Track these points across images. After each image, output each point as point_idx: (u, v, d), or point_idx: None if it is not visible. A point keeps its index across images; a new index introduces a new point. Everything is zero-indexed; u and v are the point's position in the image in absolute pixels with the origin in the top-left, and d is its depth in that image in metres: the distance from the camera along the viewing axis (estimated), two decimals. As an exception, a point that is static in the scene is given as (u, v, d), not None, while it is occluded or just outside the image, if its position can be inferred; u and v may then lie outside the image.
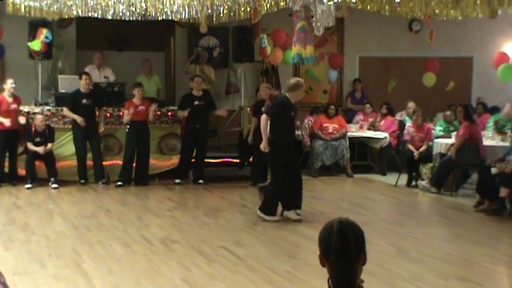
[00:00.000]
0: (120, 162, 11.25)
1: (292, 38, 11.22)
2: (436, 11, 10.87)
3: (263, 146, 8.54)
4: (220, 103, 13.79)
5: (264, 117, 8.60)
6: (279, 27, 13.10)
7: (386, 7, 10.63)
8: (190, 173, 11.58)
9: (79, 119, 10.94)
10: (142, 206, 9.87)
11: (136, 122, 11.10)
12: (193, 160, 11.48)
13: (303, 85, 8.63)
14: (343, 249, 2.38)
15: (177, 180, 11.33)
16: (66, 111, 11.09)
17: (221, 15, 10.70)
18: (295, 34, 11.01)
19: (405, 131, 11.74)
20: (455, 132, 11.07)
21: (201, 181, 11.31)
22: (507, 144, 10.61)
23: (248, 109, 12.29)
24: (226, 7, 10.35)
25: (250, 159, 11.60)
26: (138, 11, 10.76)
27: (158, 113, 11.59)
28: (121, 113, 11.39)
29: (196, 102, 11.34)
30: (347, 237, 2.39)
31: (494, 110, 13.01)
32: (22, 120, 10.94)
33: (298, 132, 9.86)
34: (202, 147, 11.45)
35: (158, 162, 11.60)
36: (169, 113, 11.73)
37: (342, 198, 10.74)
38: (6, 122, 10.72)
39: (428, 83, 14.22)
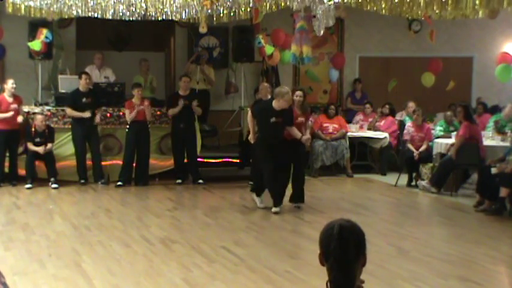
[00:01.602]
0: (120, 162, 11.25)
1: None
2: (436, 11, 10.86)
3: (250, 137, 9.36)
4: (221, 103, 13.81)
5: (249, 113, 9.36)
6: (279, 27, 13.09)
7: (386, 7, 10.62)
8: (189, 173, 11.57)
9: (84, 114, 10.94)
10: (142, 206, 9.87)
11: (136, 122, 11.10)
12: (186, 161, 11.47)
13: (283, 95, 8.93)
14: (342, 253, 2.38)
15: (178, 181, 11.34)
16: (70, 111, 11.07)
17: (221, 15, 10.71)
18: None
19: (405, 131, 11.74)
20: (455, 132, 11.07)
21: (200, 181, 11.30)
22: (507, 144, 10.61)
23: (248, 109, 12.29)
24: (226, 7, 10.35)
25: (251, 159, 11.60)
26: (138, 11, 10.76)
27: (158, 112, 11.59)
28: (121, 113, 11.40)
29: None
30: (347, 242, 2.38)
31: (495, 110, 12.98)
32: (20, 119, 10.90)
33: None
34: (191, 147, 11.42)
35: (158, 162, 11.59)
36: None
37: (342, 198, 10.74)
38: (9, 114, 10.72)
39: (427, 83, 14.21)
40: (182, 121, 11.28)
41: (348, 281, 2.38)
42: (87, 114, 10.97)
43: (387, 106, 13.32)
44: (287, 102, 8.95)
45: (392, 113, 13.39)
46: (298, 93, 9.51)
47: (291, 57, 11.83)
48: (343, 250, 2.37)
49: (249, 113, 9.36)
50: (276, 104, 8.97)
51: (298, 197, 9.42)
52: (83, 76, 11.16)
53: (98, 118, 11.15)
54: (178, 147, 11.38)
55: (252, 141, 9.31)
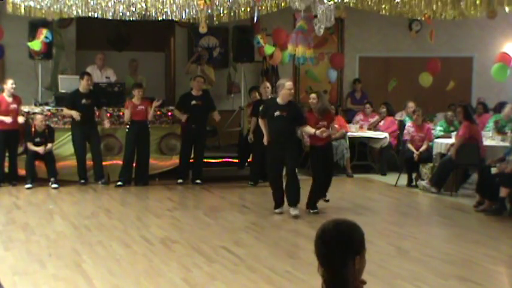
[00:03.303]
0: (120, 162, 11.25)
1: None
2: (435, 9, 10.86)
3: (264, 140, 9.14)
4: (221, 103, 13.80)
5: (259, 116, 9.33)
6: (279, 27, 13.09)
7: (386, 7, 10.63)
8: (190, 173, 11.58)
9: (74, 113, 10.90)
10: (142, 206, 9.87)
11: (136, 122, 11.11)
12: (191, 160, 11.47)
13: (283, 86, 8.91)
14: (325, 255, 2.38)
15: (179, 180, 11.34)
16: (65, 110, 11.09)
17: (221, 15, 10.71)
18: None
19: (405, 131, 11.73)
20: (455, 132, 11.07)
21: (198, 181, 11.30)
22: (507, 144, 10.61)
23: (248, 109, 12.30)
24: (226, 7, 10.36)
25: (249, 159, 11.62)
26: (138, 11, 10.77)
27: (158, 112, 11.59)
28: (121, 113, 11.40)
29: (193, 102, 11.34)
30: (328, 244, 2.37)
31: (500, 107, 12.85)
32: (21, 119, 10.92)
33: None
34: (200, 147, 11.42)
35: (158, 162, 11.59)
36: (169, 113, 11.73)
37: (342, 198, 10.73)
38: (7, 119, 10.72)
39: (424, 83, 14.18)
40: (194, 121, 11.29)
41: (339, 282, 2.37)
42: (76, 116, 10.89)
43: (383, 106, 13.38)
44: (288, 90, 8.87)
45: (390, 113, 13.39)
46: (312, 95, 9.37)
47: (287, 56, 11.88)
48: (326, 252, 2.37)
49: (259, 116, 9.35)
50: (279, 99, 8.92)
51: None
52: (85, 77, 11.15)
53: (107, 124, 11.14)
54: (187, 147, 11.38)
55: (265, 143, 9.13)
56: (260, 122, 9.26)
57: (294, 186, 8.96)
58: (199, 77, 11.72)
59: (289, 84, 8.98)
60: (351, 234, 2.39)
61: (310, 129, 8.95)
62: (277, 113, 8.85)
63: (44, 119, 10.89)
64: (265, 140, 9.12)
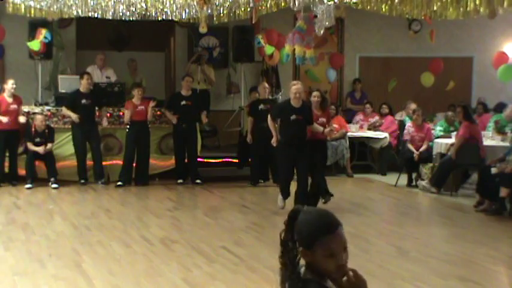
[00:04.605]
0: (120, 162, 11.26)
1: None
2: (435, 9, 10.84)
3: (272, 141, 9.14)
4: (221, 103, 13.81)
5: (268, 117, 9.21)
6: (279, 27, 13.10)
7: (386, 7, 10.62)
8: (189, 173, 11.60)
9: (73, 116, 10.92)
10: (142, 206, 9.87)
11: (136, 122, 11.11)
12: (186, 161, 11.48)
13: (290, 88, 9.02)
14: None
15: (179, 180, 11.35)
16: (64, 110, 11.09)
17: (221, 15, 10.71)
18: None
19: (405, 131, 11.74)
20: (455, 132, 11.08)
21: (198, 181, 11.31)
22: (507, 144, 10.61)
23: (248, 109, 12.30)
24: (226, 7, 10.36)
25: (249, 160, 11.63)
26: (138, 11, 10.77)
27: (158, 112, 11.60)
28: (121, 113, 11.40)
29: (183, 102, 11.33)
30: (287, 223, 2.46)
31: (501, 107, 12.85)
32: (22, 119, 10.92)
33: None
34: (192, 147, 11.41)
35: (158, 162, 11.60)
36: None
37: (342, 198, 10.72)
38: (3, 119, 10.72)
39: (426, 83, 14.19)
40: (184, 121, 11.29)
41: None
42: (75, 118, 10.89)
43: (385, 106, 13.39)
44: (293, 95, 8.87)
45: (391, 112, 13.43)
46: (315, 93, 9.40)
47: (284, 56, 11.89)
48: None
49: (269, 116, 9.24)
50: (293, 101, 8.91)
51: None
52: (85, 76, 11.16)
53: (105, 122, 11.16)
54: (180, 147, 11.39)
55: (274, 145, 9.15)
56: (269, 123, 9.15)
57: (302, 189, 8.96)
58: (188, 76, 11.72)
59: (294, 88, 8.91)
60: (305, 225, 2.42)
61: (318, 127, 9.02)
62: (293, 117, 8.82)
63: (44, 119, 10.89)
64: (273, 141, 9.13)
